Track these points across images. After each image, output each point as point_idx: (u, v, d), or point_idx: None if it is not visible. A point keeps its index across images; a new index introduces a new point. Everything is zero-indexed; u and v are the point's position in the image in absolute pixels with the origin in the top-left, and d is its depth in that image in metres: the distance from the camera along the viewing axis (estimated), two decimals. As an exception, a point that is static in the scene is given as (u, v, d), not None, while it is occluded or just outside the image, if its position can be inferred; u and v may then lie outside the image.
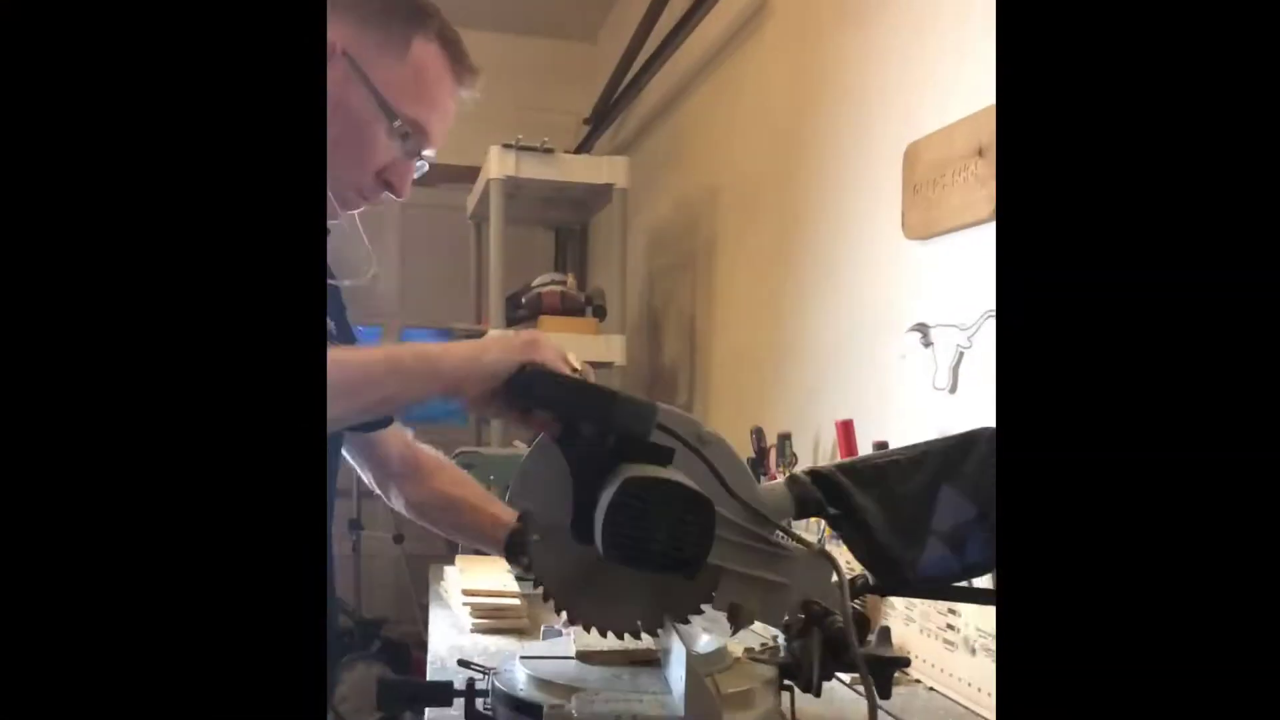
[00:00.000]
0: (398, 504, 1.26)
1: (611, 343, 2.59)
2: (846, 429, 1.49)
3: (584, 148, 3.45)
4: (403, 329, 3.99)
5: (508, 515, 1.20)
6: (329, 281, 1.09)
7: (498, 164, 2.55)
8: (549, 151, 2.60)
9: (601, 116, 3.35)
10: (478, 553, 1.66)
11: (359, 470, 1.25)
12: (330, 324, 1.05)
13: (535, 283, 2.73)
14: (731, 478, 0.87)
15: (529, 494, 0.87)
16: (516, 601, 1.46)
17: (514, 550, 1.17)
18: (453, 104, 1.04)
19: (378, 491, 1.26)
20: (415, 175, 1.04)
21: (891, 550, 0.89)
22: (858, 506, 0.89)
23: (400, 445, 1.24)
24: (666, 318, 2.97)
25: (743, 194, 2.37)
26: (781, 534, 0.90)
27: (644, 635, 0.91)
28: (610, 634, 0.91)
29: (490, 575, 1.60)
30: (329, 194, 0.96)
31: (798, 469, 0.96)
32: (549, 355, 0.84)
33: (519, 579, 1.52)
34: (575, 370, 0.86)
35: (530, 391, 0.82)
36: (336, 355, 0.75)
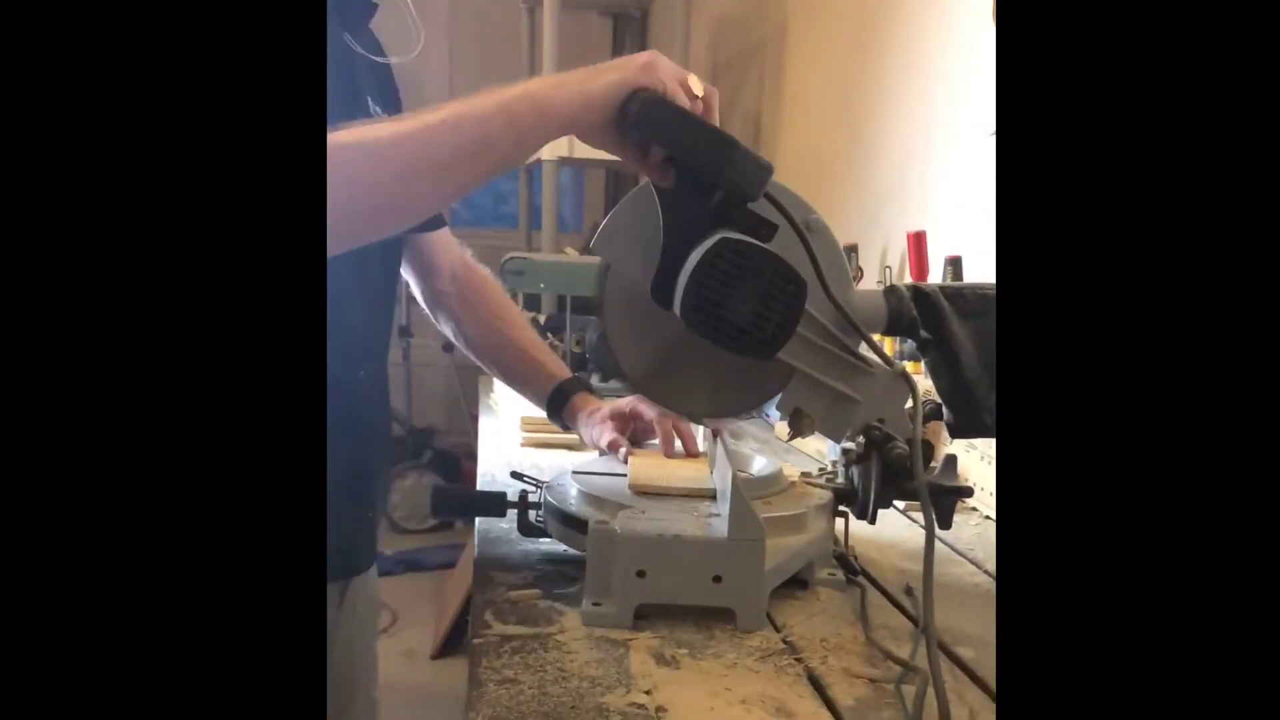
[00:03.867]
0: (447, 329, 1.21)
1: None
2: (918, 241, 1.38)
3: (644, -79, 3.17)
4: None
5: (558, 370, 1.16)
6: (379, 59, 1.01)
7: (550, -60, 2.34)
8: (606, -75, 2.37)
9: (664, -115, 3.05)
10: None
11: (410, 282, 1.20)
12: (376, 107, 0.98)
13: (591, 75, 2.57)
14: (830, 275, 0.79)
15: (614, 243, 0.80)
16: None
17: (555, 407, 1.13)
18: None
19: (426, 310, 1.22)
20: None
21: (977, 389, 0.82)
22: (952, 334, 0.82)
23: (455, 260, 1.18)
24: (731, 115, 2.80)
25: (818, -26, 2.15)
26: (866, 346, 0.83)
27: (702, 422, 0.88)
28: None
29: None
30: None
31: (902, 281, 0.88)
32: (666, 78, 0.72)
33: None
34: (695, 97, 0.75)
35: (641, 121, 0.72)
36: (453, 110, 0.68)
